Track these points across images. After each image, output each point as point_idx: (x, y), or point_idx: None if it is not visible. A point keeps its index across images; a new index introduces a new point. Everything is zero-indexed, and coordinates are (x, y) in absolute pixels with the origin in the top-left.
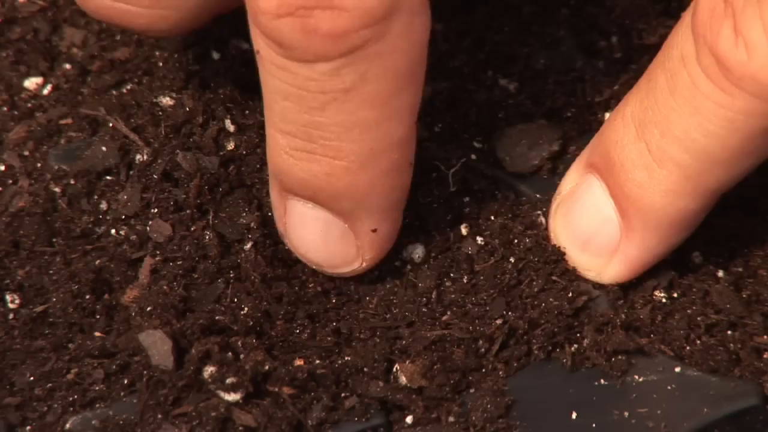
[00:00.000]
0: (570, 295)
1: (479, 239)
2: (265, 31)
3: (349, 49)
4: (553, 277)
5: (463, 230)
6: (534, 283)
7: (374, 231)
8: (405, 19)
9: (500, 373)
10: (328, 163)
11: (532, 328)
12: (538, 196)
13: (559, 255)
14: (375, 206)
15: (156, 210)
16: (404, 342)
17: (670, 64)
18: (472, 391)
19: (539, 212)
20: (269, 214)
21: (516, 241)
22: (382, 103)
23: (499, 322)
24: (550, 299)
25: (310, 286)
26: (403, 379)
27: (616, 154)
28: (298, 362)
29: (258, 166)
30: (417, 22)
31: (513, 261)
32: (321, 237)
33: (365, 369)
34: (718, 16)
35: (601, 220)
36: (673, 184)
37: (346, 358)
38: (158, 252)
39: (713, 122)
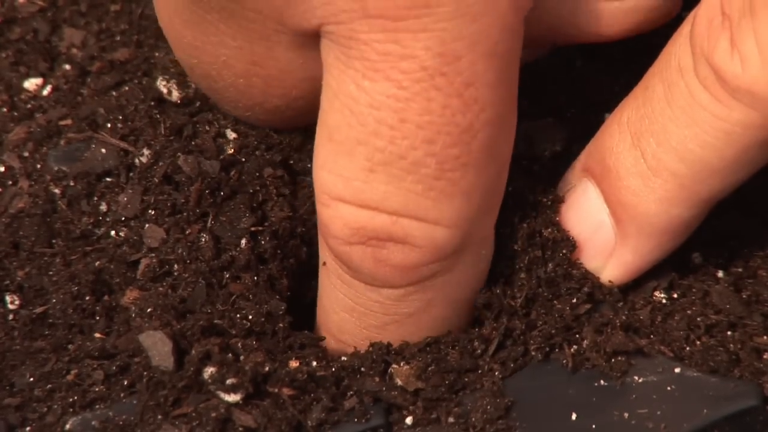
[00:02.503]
0: (574, 301)
1: None
2: (335, 253)
3: (417, 280)
4: (558, 279)
5: None
6: (535, 283)
7: None
8: (473, 251)
9: (497, 374)
10: None
11: (529, 329)
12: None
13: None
14: None
15: (154, 213)
16: (399, 344)
17: (668, 74)
18: (468, 392)
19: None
20: (271, 222)
21: (517, 240)
22: (440, 325)
23: (494, 323)
24: (554, 302)
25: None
26: (398, 381)
27: (611, 160)
28: (294, 363)
29: (258, 173)
30: (483, 253)
31: (514, 260)
32: None
33: (362, 369)
34: (716, 28)
35: (596, 225)
36: (667, 192)
37: (343, 359)
38: (154, 255)
39: (710, 133)
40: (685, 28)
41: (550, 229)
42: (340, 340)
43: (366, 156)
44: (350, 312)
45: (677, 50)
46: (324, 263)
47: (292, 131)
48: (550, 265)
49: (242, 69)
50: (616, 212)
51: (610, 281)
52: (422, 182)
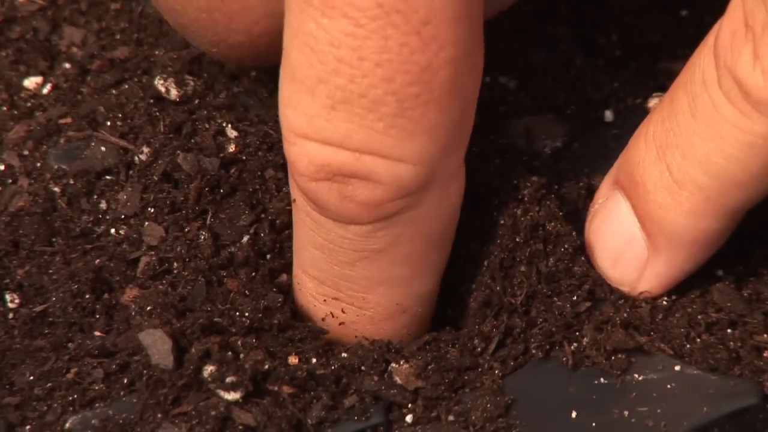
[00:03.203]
0: (575, 298)
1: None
2: (303, 190)
3: (383, 217)
4: (559, 275)
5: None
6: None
7: None
8: (440, 187)
9: (497, 372)
10: (354, 312)
11: (529, 327)
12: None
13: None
14: None
15: (153, 211)
16: (398, 342)
17: (692, 87)
18: (468, 390)
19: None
20: (270, 218)
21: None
22: (412, 262)
23: (495, 320)
24: (554, 299)
25: None
26: (398, 380)
27: (638, 174)
28: (293, 360)
29: (259, 172)
30: (452, 188)
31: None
32: None
33: (362, 368)
34: (739, 41)
35: (628, 238)
36: (694, 205)
37: (343, 355)
38: (154, 253)
39: (734, 146)
40: (709, 40)
41: (553, 223)
42: (313, 277)
43: (327, 94)
44: (320, 249)
45: (702, 62)
46: (294, 200)
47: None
48: (551, 259)
49: (205, 3)
50: (646, 226)
51: (646, 292)
52: (383, 120)
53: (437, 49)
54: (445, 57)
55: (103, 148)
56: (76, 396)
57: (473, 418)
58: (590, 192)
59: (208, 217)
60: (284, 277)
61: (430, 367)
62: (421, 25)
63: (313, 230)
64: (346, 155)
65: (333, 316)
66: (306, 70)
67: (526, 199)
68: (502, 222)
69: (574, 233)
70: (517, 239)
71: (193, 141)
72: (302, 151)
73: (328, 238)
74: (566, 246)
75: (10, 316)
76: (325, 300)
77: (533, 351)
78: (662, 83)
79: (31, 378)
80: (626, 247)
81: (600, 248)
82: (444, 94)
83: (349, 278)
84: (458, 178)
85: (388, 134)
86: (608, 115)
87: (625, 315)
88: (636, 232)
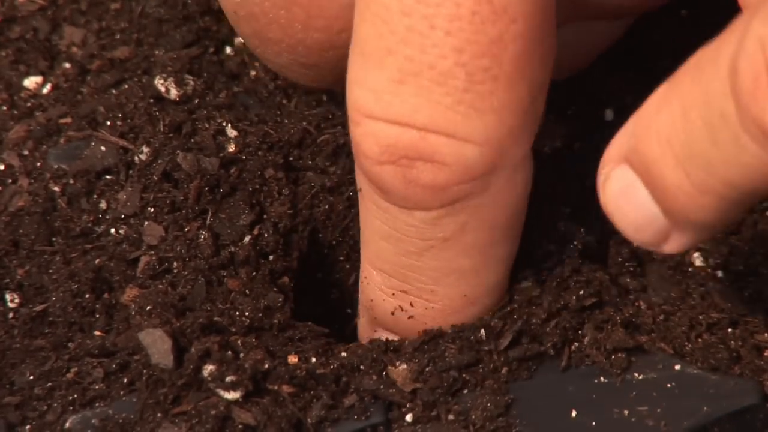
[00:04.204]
0: (581, 293)
1: None
2: (368, 174)
3: (449, 202)
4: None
5: None
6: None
7: None
8: (507, 174)
9: (503, 370)
10: (422, 305)
11: (542, 326)
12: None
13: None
14: None
15: (153, 210)
16: (397, 342)
17: (710, 116)
18: (466, 391)
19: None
20: (273, 220)
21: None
22: (479, 252)
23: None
24: (561, 293)
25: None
26: (396, 381)
27: (655, 170)
28: (293, 359)
29: (259, 172)
30: (519, 177)
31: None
32: None
33: (362, 367)
34: (763, 89)
35: (650, 216)
36: (718, 209)
37: (342, 355)
38: (154, 252)
39: (761, 171)
40: (721, 68)
41: (561, 223)
42: (381, 269)
43: (396, 66)
44: (387, 239)
45: (717, 93)
46: (360, 189)
47: (293, 126)
48: (563, 257)
49: None
50: (667, 214)
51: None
52: (451, 94)
53: (508, 21)
54: (516, 31)
55: (103, 148)
56: (76, 395)
57: (473, 417)
58: (591, 192)
59: (208, 217)
60: (285, 279)
61: (427, 369)
62: None
63: (380, 219)
64: (412, 134)
65: (402, 310)
66: (375, 42)
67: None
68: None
69: (582, 230)
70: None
71: (192, 141)
72: (368, 131)
73: (394, 227)
74: (575, 243)
75: (10, 315)
76: (393, 293)
77: (545, 349)
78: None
79: (31, 378)
80: (648, 222)
81: (620, 219)
82: (513, 71)
83: (416, 269)
84: (525, 168)
85: (456, 110)
86: (608, 114)
87: (625, 314)
88: (657, 211)
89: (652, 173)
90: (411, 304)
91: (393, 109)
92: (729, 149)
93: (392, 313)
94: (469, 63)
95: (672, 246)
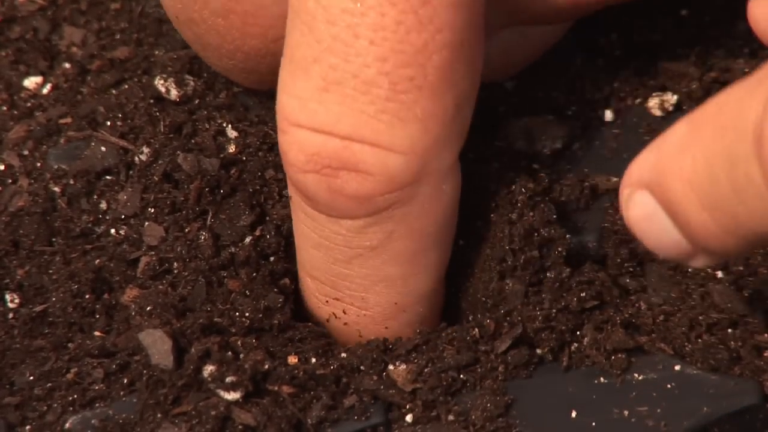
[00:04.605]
0: (583, 294)
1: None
2: (294, 183)
3: (375, 211)
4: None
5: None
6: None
7: None
8: (433, 183)
9: (500, 369)
10: (355, 312)
11: (537, 329)
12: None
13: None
14: None
15: (153, 211)
16: (396, 341)
17: (735, 176)
18: (465, 392)
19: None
20: (275, 222)
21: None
22: (408, 260)
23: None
24: (562, 294)
25: None
26: (396, 382)
27: (678, 207)
28: (293, 359)
29: (260, 173)
30: (446, 186)
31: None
32: None
33: (362, 368)
34: None
35: (674, 242)
36: (741, 241)
37: (342, 355)
38: (154, 253)
39: None
40: (746, 132)
41: (547, 228)
42: (314, 277)
43: (321, 74)
44: (317, 247)
45: (741, 155)
46: (290, 198)
47: None
48: (547, 263)
49: (220, 6)
50: (689, 241)
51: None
52: (375, 103)
53: (434, 31)
54: (442, 41)
55: (103, 148)
56: (76, 396)
57: (473, 417)
58: (591, 192)
59: (209, 218)
60: (287, 281)
61: (426, 369)
62: (420, 4)
63: (309, 227)
64: (335, 143)
65: (336, 317)
66: (302, 50)
67: (520, 204)
68: (499, 228)
69: (568, 236)
70: (513, 245)
71: (193, 141)
72: (293, 139)
73: (323, 235)
74: (559, 249)
75: (10, 316)
76: (327, 301)
77: (540, 352)
78: (662, 83)
79: (31, 378)
80: (673, 245)
81: (645, 240)
82: (438, 81)
83: (346, 277)
84: (453, 177)
85: (379, 119)
86: (608, 114)
87: (625, 315)
88: (680, 238)
89: (675, 211)
90: (344, 312)
91: (317, 117)
92: (756, 206)
93: (327, 320)
94: (393, 72)
95: (698, 263)
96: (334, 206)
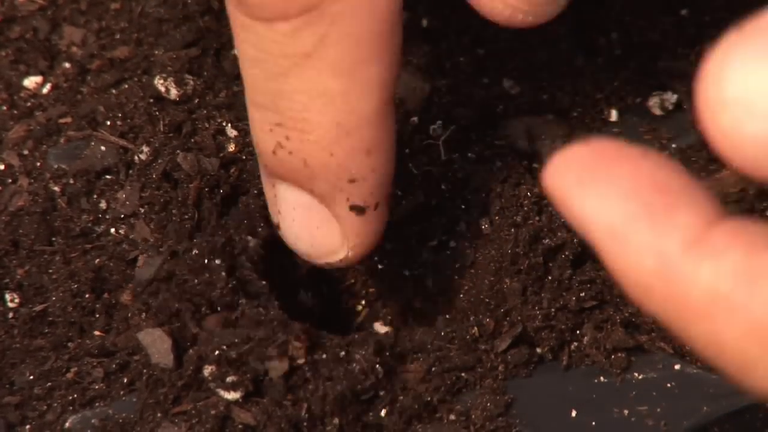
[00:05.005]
0: (582, 294)
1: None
2: None
3: (305, 8)
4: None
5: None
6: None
7: (358, 215)
8: None
9: (500, 368)
10: (297, 137)
11: (537, 329)
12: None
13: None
14: (353, 189)
15: (152, 210)
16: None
17: None
18: (465, 391)
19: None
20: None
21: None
22: (345, 72)
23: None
24: (562, 293)
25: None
26: (398, 382)
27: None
28: (293, 360)
29: (259, 172)
30: None
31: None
32: (305, 224)
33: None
34: None
35: None
36: None
37: (342, 354)
38: (151, 252)
39: None
40: None
41: (554, 236)
42: (257, 104)
43: None
44: (256, 64)
45: None
46: (231, 21)
47: None
48: (551, 265)
49: None
50: None
51: None
52: None
53: None
54: None
55: (102, 148)
56: (76, 395)
57: (473, 417)
58: None
59: (209, 218)
60: (287, 280)
61: (434, 369)
62: None
63: (246, 41)
64: None
65: (281, 147)
66: None
67: (525, 208)
68: (503, 229)
69: (575, 240)
70: (518, 250)
71: (192, 140)
72: None
73: (260, 48)
74: (566, 253)
75: (10, 315)
76: (271, 129)
77: (540, 351)
78: (662, 82)
79: (31, 377)
80: None
81: None
82: None
83: (285, 95)
84: None
85: None
86: (610, 114)
87: (625, 314)
88: None
89: None
90: (287, 137)
91: None
92: None
93: (274, 153)
94: None
95: None
96: (263, 4)
